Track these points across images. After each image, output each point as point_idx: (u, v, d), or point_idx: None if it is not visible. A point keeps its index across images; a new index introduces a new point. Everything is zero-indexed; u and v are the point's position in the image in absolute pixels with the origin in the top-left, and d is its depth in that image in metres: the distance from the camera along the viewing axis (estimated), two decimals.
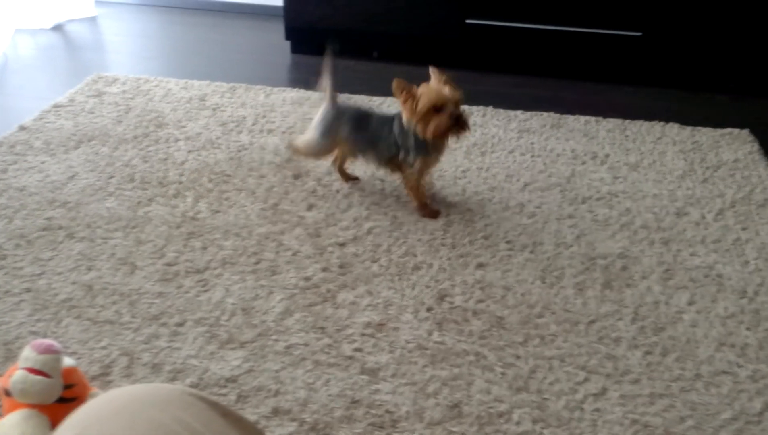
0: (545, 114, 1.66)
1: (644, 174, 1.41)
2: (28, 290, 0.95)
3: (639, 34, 1.80)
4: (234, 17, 2.30)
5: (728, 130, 1.59)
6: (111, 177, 1.26)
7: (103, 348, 0.87)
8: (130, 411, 0.35)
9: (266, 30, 2.17)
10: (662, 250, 1.16)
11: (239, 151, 1.39)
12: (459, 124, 1.13)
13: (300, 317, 0.95)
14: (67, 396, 0.73)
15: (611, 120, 1.64)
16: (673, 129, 1.61)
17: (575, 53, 1.88)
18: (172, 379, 0.84)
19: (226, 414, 0.39)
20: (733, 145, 1.53)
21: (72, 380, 0.74)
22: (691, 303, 1.03)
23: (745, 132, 1.58)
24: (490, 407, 0.83)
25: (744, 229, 1.22)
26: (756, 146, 1.52)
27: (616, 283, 1.07)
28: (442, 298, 1.01)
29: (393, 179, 1.30)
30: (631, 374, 0.89)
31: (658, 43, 1.81)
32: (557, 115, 1.66)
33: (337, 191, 1.28)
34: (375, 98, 1.68)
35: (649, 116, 1.67)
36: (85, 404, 0.38)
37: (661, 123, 1.63)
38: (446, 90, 1.13)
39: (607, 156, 1.48)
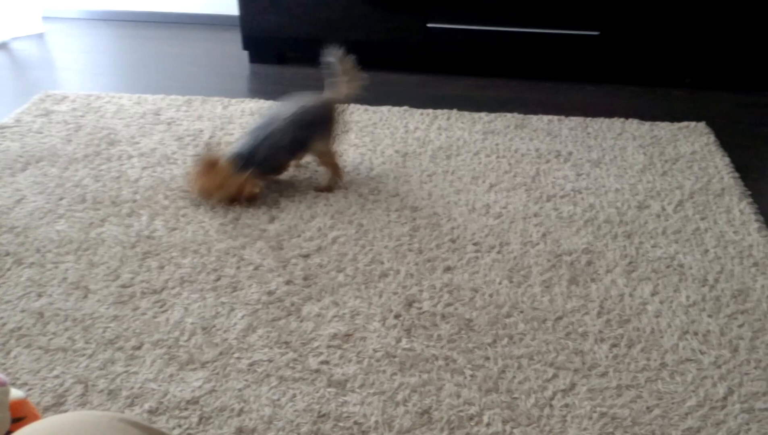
0: (509, 115, 1.68)
1: (606, 170, 1.44)
2: None
3: (596, 33, 1.84)
4: (189, 29, 2.25)
5: (685, 123, 1.64)
6: (61, 198, 1.20)
7: (56, 377, 0.82)
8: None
9: (223, 40, 2.13)
10: (625, 244, 1.17)
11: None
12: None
13: (263, 333, 0.92)
14: (15, 429, 0.68)
15: (573, 118, 1.67)
16: (633, 124, 1.65)
17: (536, 54, 1.91)
18: (130, 405, 0.79)
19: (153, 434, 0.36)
20: (690, 138, 1.58)
21: (21, 413, 0.69)
22: (654, 294, 1.04)
23: (702, 125, 1.63)
24: (461, 411, 0.81)
25: (703, 218, 1.25)
26: (712, 138, 1.57)
27: (582, 278, 1.07)
28: (410, 304, 1.00)
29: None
30: (599, 368, 0.89)
31: (615, 42, 1.86)
32: (521, 116, 1.68)
33: (300, 202, 1.26)
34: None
35: (609, 113, 1.70)
36: (16, 433, 0.35)
37: (621, 119, 1.67)
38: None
39: (570, 154, 1.50)
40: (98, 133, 1.44)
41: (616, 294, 1.04)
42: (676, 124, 1.63)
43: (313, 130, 1.25)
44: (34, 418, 0.72)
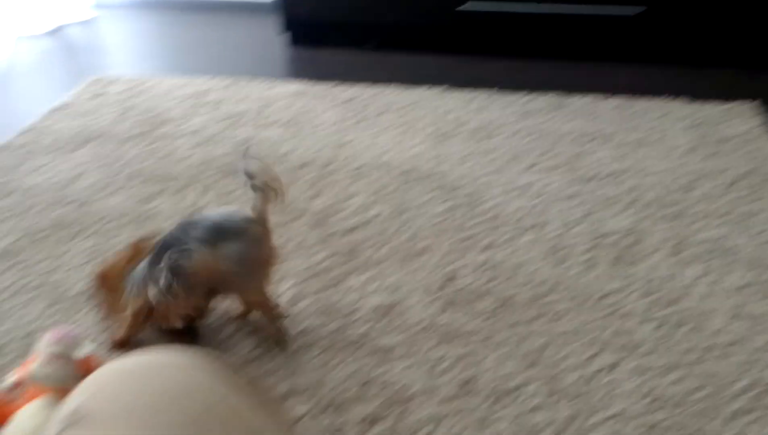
0: (547, 96, 1.65)
1: (650, 151, 1.40)
2: (42, 285, 0.96)
3: (642, 9, 1.77)
4: (231, 14, 2.30)
5: (734, 104, 1.57)
6: (117, 174, 1.26)
7: None
8: (142, 374, 0.36)
9: (264, 24, 2.17)
10: (671, 225, 1.15)
11: (242, 144, 1.40)
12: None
13: (310, 302, 0.95)
14: None
15: (614, 98, 1.63)
16: (678, 105, 1.59)
17: (575, 34, 1.86)
18: None
19: (234, 377, 0.39)
20: (738, 119, 1.51)
21: (91, 366, 0.75)
22: (702, 275, 1.02)
23: (751, 106, 1.56)
24: (503, 382, 0.83)
25: (753, 201, 1.21)
26: (762, 120, 1.50)
27: (625, 258, 1.06)
28: (450, 279, 1.01)
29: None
30: (644, 346, 0.89)
31: (661, 19, 1.79)
32: (559, 97, 1.65)
33: (341, 179, 1.28)
34: (375, 87, 1.68)
35: (653, 93, 1.65)
36: (101, 368, 0.39)
37: (666, 99, 1.62)
38: None
39: (612, 134, 1.47)
40: (148, 114, 1.50)
41: (661, 275, 1.02)
42: (724, 105, 1.57)
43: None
44: None
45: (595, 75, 1.82)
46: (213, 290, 0.83)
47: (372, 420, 0.77)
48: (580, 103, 1.62)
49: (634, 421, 0.78)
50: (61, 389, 0.71)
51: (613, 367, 0.86)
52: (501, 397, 0.81)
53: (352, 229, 1.13)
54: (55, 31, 2.05)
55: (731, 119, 1.51)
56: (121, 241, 1.07)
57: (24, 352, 0.85)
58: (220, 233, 0.78)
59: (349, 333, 0.90)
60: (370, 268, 1.03)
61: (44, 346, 0.71)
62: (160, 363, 0.37)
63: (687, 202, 1.21)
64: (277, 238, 1.10)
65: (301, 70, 1.84)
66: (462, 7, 1.84)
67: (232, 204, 1.19)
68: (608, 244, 1.09)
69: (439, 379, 0.83)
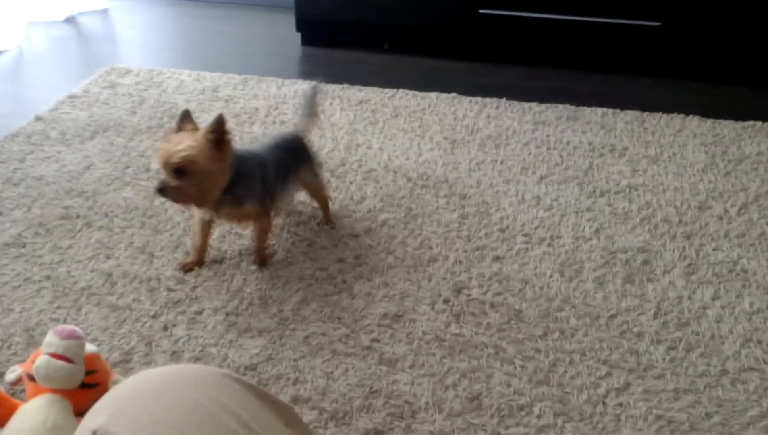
0: (561, 106, 1.63)
1: (665, 167, 1.38)
2: (48, 278, 0.95)
3: (658, 24, 1.76)
4: (244, 9, 2.29)
5: (750, 122, 1.56)
6: (127, 167, 1.25)
7: (123, 335, 0.87)
8: (168, 391, 0.34)
9: (276, 22, 2.16)
10: (685, 245, 1.13)
11: (253, 142, 1.38)
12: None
13: (317, 307, 0.94)
14: (89, 382, 0.73)
15: (629, 112, 1.61)
16: (694, 121, 1.58)
17: (591, 44, 1.84)
18: None
19: (261, 395, 0.38)
20: (756, 138, 1.50)
21: (94, 366, 0.74)
22: (715, 298, 1.00)
23: None
24: (511, 400, 0.81)
25: None
26: None
27: (638, 277, 1.04)
28: (459, 290, 1.00)
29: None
30: (655, 369, 0.87)
31: (677, 33, 1.77)
32: (573, 107, 1.63)
33: (351, 183, 1.27)
34: (386, 90, 1.67)
35: (668, 108, 1.63)
36: (120, 384, 0.37)
37: (681, 115, 1.60)
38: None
39: (626, 148, 1.45)
40: (160, 107, 1.49)
41: (674, 296, 1.01)
42: (741, 123, 1.55)
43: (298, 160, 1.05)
44: (105, 371, 0.77)
45: (609, 87, 1.80)
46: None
47: (377, 432, 0.76)
48: (594, 115, 1.60)
49: None
50: (64, 389, 0.71)
51: (623, 389, 0.84)
52: (508, 415, 0.79)
53: (361, 234, 1.12)
54: (69, 19, 2.04)
55: (748, 138, 1.50)
56: (127, 237, 1.05)
57: (28, 345, 0.84)
58: (300, 149, 1.06)
59: (356, 340, 0.89)
60: (378, 275, 1.02)
61: (48, 344, 0.70)
62: (185, 378, 0.36)
63: (701, 222, 1.20)
64: (286, 239, 1.08)
65: (313, 70, 1.83)
66: (484, 10, 1.82)
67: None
68: (620, 261, 1.08)
69: (445, 392, 0.82)
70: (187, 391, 0.34)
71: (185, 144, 0.84)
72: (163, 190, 0.85)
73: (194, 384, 0.35)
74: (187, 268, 0.99)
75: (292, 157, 1.04)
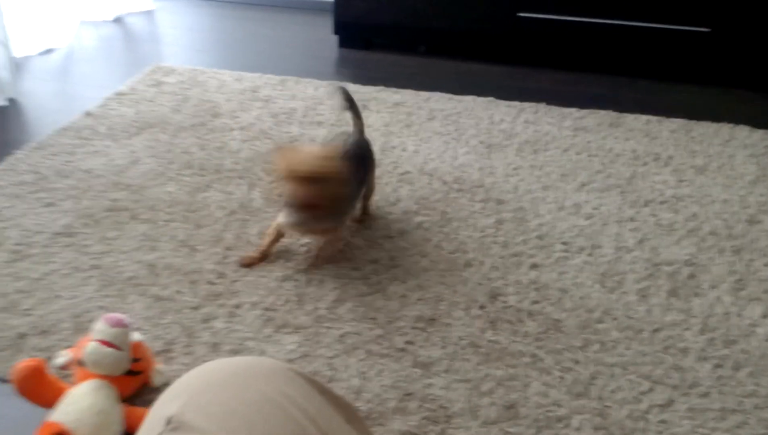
0: (602, 112, 1.59)
1: (712, 178, 1.33)
2: (95, 267, 0.99)
3: (707, 29, 1.70)
4: (283, 12, 2.33)
5: None
6: (171, 163, 1.29)
7: (166, 325, 0.89)
8: (237, 383, 0.35)
9: (314, 25, 2.19)
10: (733, 259, 1.08)
11: (290, 142, 1.40)
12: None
13: (352, 307, 0.94)
14: (134, 369, 0.75)
15: (675, 120, 1.56)
16: (744, 131, 1.51)
17: (635, 49, 1.79)
18: None
19: (323, 391, 0.38)
20: None
21: (139, 354, 0.76)
22: (765, 316, 0.96)
23: None
24: (549, 411, 0.79)
25: None
26: None
27: (683, 291, 1.01)
28: (494, 296, 0.98)
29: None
30: (700, 387, 0.84)
31: (727, 40, 1.70)
32: (615, 114, 1.59)
33: (386, 184, 1.27)
34: (422, 93, 1.66)
35: (716, 117, 1.57)
36: (190, 373, 0.38)
37: (730, 125, 1.54)
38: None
39: (671, 157, 1.40)
40: (203, 106, 1.53)
41: (721, 312, 0.97)
42: None
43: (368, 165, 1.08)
44: (148, 360, 0.79)
45: (653, 94, 1.75)
46: None
47: None
48: (637, 122, 1.56)
49: None
50: (110, 375, 0.73)
51: (666, 405, 0.81)
52: (545, 426, 0.77)
53: (395, 236, 1.12)
54: (117, 20, 2.13)
55: None
56: (170, 230, 1.09)
57: (75, 331, 0.87)
58: (368, 154, 1.10)
59: (391, 341, 0.89)
60: (413, 277, 1.01)
61: (97, 331, 0.73)
62: (254, 370, 0.37)
63: (750, 236, 1.14)
64: (319, 242, 1.09)
65: (349, 72, 1.84)
66: (522, 13, 1.80)
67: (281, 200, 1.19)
68: (665, 274, 1.04)
69: (481, 399, 0.81)
70: (257, 383, 0.35)
71: (320, 156, 0.88)
72: (305, 205, 0.88)
73: (263, 376, 0.36)
74: (246, 264, 1.01)
75: (363, 165, 1.06)
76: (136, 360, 0.76)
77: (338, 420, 0.36)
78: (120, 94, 1.56)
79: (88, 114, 1.46)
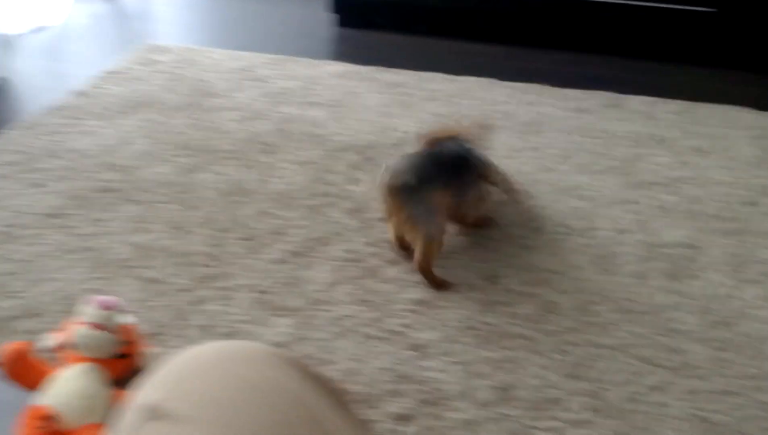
0: (604, 93, 1.56)
1: (713, 160, 1.31)
2: (86, 249, 0.97)
3: (713, 10, 1.65)
4: None
5: None
6: (164, 143, 1.27)
7: (158, 308, 0.88)
8: (220, 368, 0.34)
9: (310, 3, 2.13)
10: (732, 242, 1.07)
11: (286, 122, 1.38)
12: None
13: (347, 289, 0.93)
14: (124, 352, 0.74)
15: (677, 102, 1.53)
16: (746, 114, 1.49)
17: (638, 29, 1.75)
18: None
19: (310, 375, 0.37)
20: None
21: (128, 337, 0.75)
22: (764, 298, 0.95)
23: None
24: (544, 393, 0.79)
25: None
26: None
27: (681, 273, 1.00)
28: (489, 278, 0.97)
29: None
30: (698, 369, 0.83)
31: (733, 21, 1.66)
32: (616, 95, 1.56)
33: (382, 166, 1.25)
34: (421, 73, 1.63)
35: (718, 99, 1.54)
36: (170, 360, 0.37)
37: (733, 107, 1.51)
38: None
39: (672, 140, 1.38)
40: (197, 85, 1.50)
41: (720, 294, 0.96)
42: None
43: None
44: (138, 343, 0.78)
45: (656, 75, 1.72)
46: None
47: (406, 418, 0.75)
48: (638, 103, 1.53)
49: None
50: (99, 358, 0.72)
51: (663, 387, 0.80)
52: (541, 408, 0.77)
53: None
54: None
55: None
56: (163, 212, 1.07)
57: (66, 313, 0.86)
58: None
59: (387, 324, 0.88)
60: (408, 260, 1.00)
61: (86, 314, 0.72)
62: (236, 355, 0.35)
63: (750, 218, 1.13)
64: (315, 224, 1.08)
65: (348, 52, 1.80)
66: None
67: (276, 181, 1.17)
68: (663, 256, 1.03)
69: (476, 381, 0.80)
70: (240, 369, 0.34)
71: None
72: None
73: (247, 361, 0.35)
74: (438, 284, 0.94)
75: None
76: (126, 343, 0.75)
77: (325, 403, 0.35)
78: (112, 73, 1.52)
79: (80, 93, 1.43)
